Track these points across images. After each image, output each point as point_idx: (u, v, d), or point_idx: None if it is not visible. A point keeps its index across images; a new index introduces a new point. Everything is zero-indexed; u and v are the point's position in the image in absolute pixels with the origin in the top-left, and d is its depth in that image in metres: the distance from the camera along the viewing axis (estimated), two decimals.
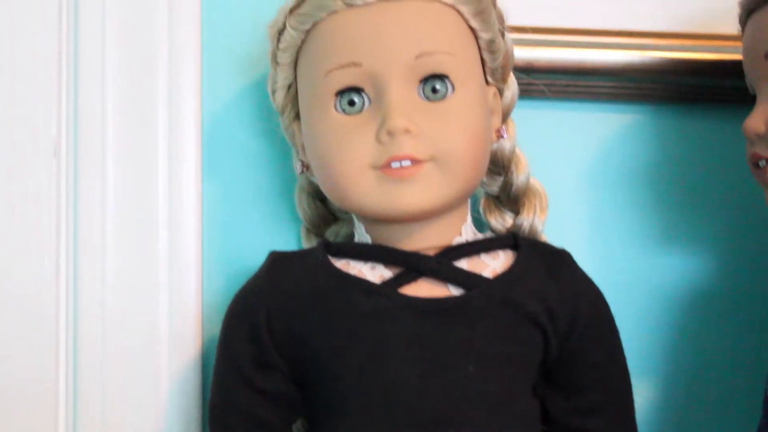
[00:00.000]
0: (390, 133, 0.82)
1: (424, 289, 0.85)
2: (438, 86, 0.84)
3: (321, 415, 0.86)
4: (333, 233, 0.99)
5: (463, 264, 0.86)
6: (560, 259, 0.89)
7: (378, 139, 0.83)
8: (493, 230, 0.96)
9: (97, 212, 0.99)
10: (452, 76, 0.84)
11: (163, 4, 1.00)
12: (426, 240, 0.87)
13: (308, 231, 1.00)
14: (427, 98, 0.84)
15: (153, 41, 1.00)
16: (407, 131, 0.82)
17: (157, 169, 0.99)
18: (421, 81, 0.84)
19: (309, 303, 0.85)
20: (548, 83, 0.99)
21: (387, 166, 0.83)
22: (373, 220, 0.87)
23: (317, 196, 0.98)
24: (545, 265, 0.87)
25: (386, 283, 0.85)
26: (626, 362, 0.90)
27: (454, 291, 0.85)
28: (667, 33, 1.01)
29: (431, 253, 0.86)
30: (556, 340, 0.86)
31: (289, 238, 1.01)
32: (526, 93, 0.97)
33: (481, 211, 0.97)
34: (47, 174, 0.99)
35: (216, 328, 0.95)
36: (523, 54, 0.96)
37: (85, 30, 1.00)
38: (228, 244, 1.01)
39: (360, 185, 0.84)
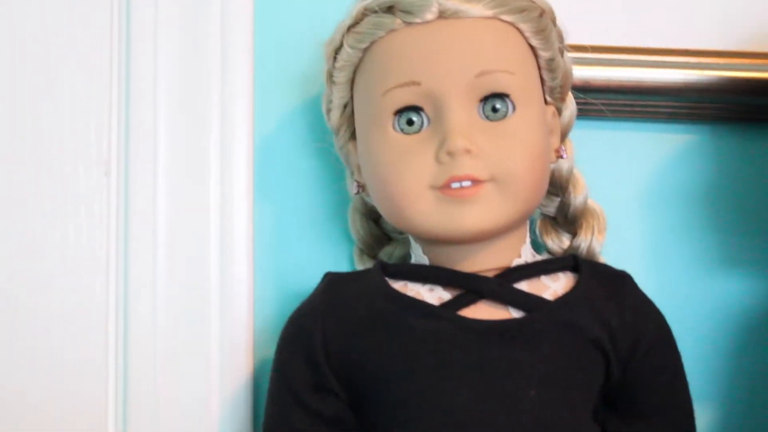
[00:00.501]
0: (450, 153, 0.81)
1: (483, 311, 0.84)
2: (498, 105, 0.83)
3: None
4: (386, 254, 0.97)
5: (524, 286, 0.85)
6: (622, 282, 0.87)
7: (437, 159, 0.82)
8: (549, 252, 0.95)
9: (148, 232, 0.98)
10: (513, 95, 0.83)
11: (216, 24, 0.99)
12: (485, 261, 0.85)
13: (361, 252, 0.99)
14: (487, 118, 0.83)
15: (205, 60, 0.99)
16: (467, 151, 0.81)
17: (209, 189, 0.99)
18: (481, 100, 0.83)
19: (366, 325, 0.84)
20: (606, 102, 0.97)
21: (447, 186, 0.81)
22: (431, 241, 0.86)
23: (371, 216, 0.97)
24: (606, 288, 0.86)
25: (445, 306, 0.84)
26: (688, 386, 0.88)
27: (515, 313, 0.84)
28: (726, 52, 1.00)
29: (490, 274, 0.85)
30: (617, 363, 0.84)
31: (341, 260, 1.00)
32: (583, 112, 0.96)
33: (537, 232, 0.96)
34: (99, 193, 0.98)
35: (267, 351, 0.94)
36: (580, 73, 0.95)
37: (136, 51, 0.99)
38: (279, 265, 1.00)
39: (419, 206, 0.83)
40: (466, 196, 0.81)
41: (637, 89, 0.98)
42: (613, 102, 0.98)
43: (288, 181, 1.01)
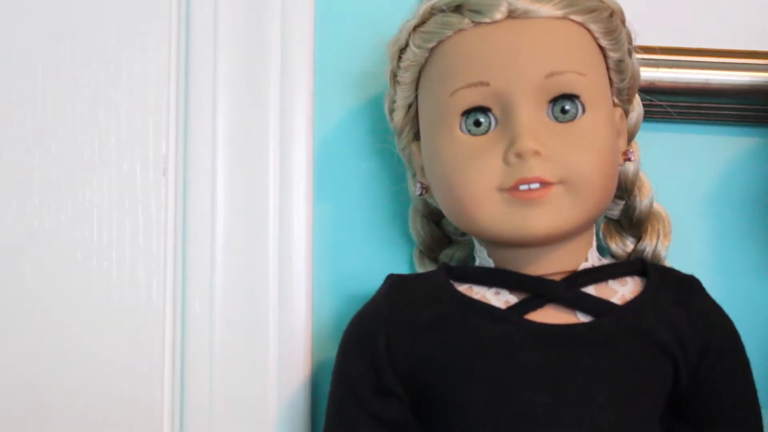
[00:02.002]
0: (519, 155, 0.80)
1: (551, 315, 0.82)
2: (568, 107, 0.82)
3: None
4: (447, 256, 0.96)
5: (591, 290, 0.84)
6: (691, 287, 0.86)
7: (505, 161, 0.81)
8: (613, 255, 0.94)
9: (207, 233, 0.98)
10: (583, 96, 0.82)
11: (276, 23, 0.99)
12: (552, 265, 0.84)
13: (422, 254, 0.98)
14: (557, 119, 0.82)
15: (265, 59, 0.99)
16: (537, 153, 0.80)
17: (268, 189, 0.98)
18: (550, 101, 0.82)
19: (431, 328, 0.83)
20: (672, 104, 0.96)
21: (515, 188, 0.80)
22: (497, 244, 0.85)
23: (432, 218, 0.96)
24: (675, 293, 0.85)
25: (512, 309, 0.83)
26: (757, 394, 0.86)
27: (583, 318, 0.82)
28: None
29: (557, 278, 0.84)
30: (686, 370, 0.83)
31: (401, 262, 0.99)
32: (648, 114, 0.94)
33: (601, 235, 0.95)
34: (156, 194, 0.98)
35: (326, 353, 0.94)
36: (646, 74, 0.94)
37: (196, 50, 0.99)
38: (338, 267, 1.00)
39: (486, 208, 0.81)
40: (535, 199, 0.80)
41: (704, 91, 0.97)
42: (680, 104, 0.97)
43: (347, 181, 1.00)
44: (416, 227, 0.97)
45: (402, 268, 0.99)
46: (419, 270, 0.97)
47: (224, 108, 0.98)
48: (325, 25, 1.00)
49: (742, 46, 0.98)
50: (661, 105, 0.95)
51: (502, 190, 0.81)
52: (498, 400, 0.80)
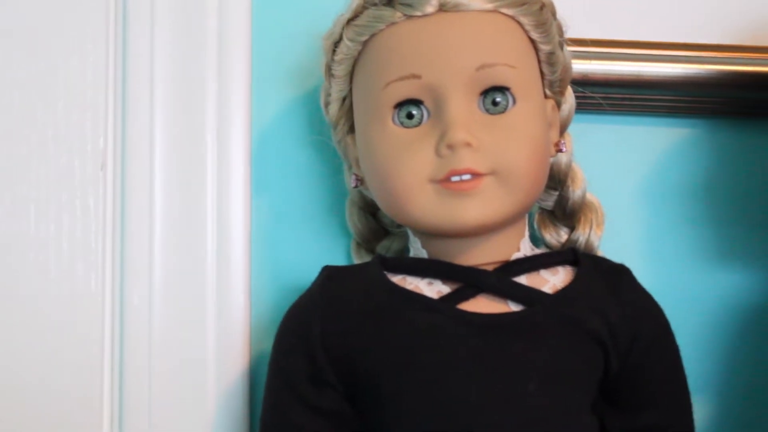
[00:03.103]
0: (450, 147, 0.81)
1: (483, 305, 0.83)
2: (499, 99, 0.83)
3: None
4: (384, 248, 0.97)
5: (523, 280, 0.85)
6: (621, 275, 0.87)
7: (437, 153, 0.82)
8: (547, 246, 0.96)
9: (145, 227, 0.98)
10: (513, 88, 0.83)
11: (213, 17, 0.99)
12: (484, 255, 0.85)
13: (359, 246, 0.98)
14: (488, 111, 0.83)
15: (202, 53, 0.99)
16: (468, 145, 0.81)
17: (206, 183, 0.98)
18: (481, 93, 0.83)
19: (365, 319, 0.83)
20: (604, 96, 0.97)
21: (446, 179, 0.81)
22: (431, 235, 0.86)
23: (369, 210, 0.97)
24: (605, 281, 0.86)
25: (444, 299, 0.84)
26: (686, 380, 0.88)
27: (514, 307, 0.83)
28: (725, 45, 1.00)
29: (489, 268, 0.85)
30: (616, 357, 0.84)
31: (338, 253, 1.00)
32: (581, 106, 0.95)
33: (535, 226, 0.96)
34: (94, 188, 0.97)
35: (264, 344, 0.94)
36: (579, 67, 0.95)
37: (133, 43, 0.99)
38: (276, 258, 1.00)
39: (419, 199, 0.82)
40: (466, 190, 0.81)
41: (636, 83, 0.98)
42: (612, 96, 0.98)
43: (285, 174, 1.00)
44: (353, 219, 0.97)
45: (340, 260, 0.99)
46: (356, 262, 0.98)
47: (162, 102, 0.98)
48: (261, 19, 1.00)
49: (673, 39, 1.00)
50: (593, 97, 0.96)
51: (434, 181, 0.82)
52: (430, 390, 0.81)
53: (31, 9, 0.98)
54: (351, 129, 0.91)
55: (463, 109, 0.82)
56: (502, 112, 0.83)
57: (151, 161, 0.98)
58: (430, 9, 0.83)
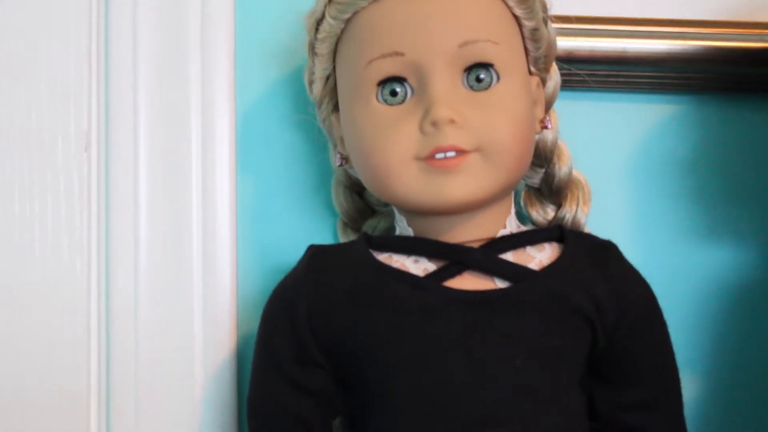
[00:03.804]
0: (434, 124, 0.80)
1: (469, 282, 0.83)
2: (482, 75, 0.82)
3: (363, 411, 0.84)
4: (370, 227, 0.97)
5: (509, 256, 0.84)
6: (607, 252, 0.87)
7: (421, 130, 0.81)
8: (534, 223, 0.95)
9: (130, 207, 0.98)
10: (497, 64, 0.82)
11: None
12: (470, 233, 0.85)
13: (345, 225, 0.98)
14: (471, 88, 0.82)
15: (185, 33, 0.98)
16: (452, 121, 0.80)
17: (191, 162, 0.98)
18: (465, 70, 0.82)
19: (351, 297, 0.83)
20: (590, 73, 0.97)
21: (431, 157, 0.81)
22: (416, 213, 0.85)
23: (354, 189, 0.97)
24: (592, 258, 0.86)
25: (430, 277, 0.83)
26: (674, 356, 0.88)
27: (500, 284, 0.83)
28: (710, 21, 0.99)
29: (476, 245, 0.85)
30: (603, 333, 0.84)
31: (325, 233, 1.00)
32: (567, 83, 0.95)
33: (522, 203, 0.96)
34: (78, 169, 0.97)
35: (251, 325, 0.94)
36: (564, 43, 0.94)
37: (115, 23, 0.98)
38: (263, 239, 1.00)
39: (403, 177, 0.82)
40: (451, 167, 0.81)
41: (621, 59, 0.97)
42: (598, 72, 0.98)
43: (270, 154, 1.00)
44: (339, 198, 0.97)
45: (326, 239, 0.99)
46: (343, 241, 0.98)
47: (145, 83, 0.98)
48: None
49: (658, 15, 0.99)
50: (579, 74, 0.96)
51: (418, 158, 0.81)
52: (417, 367, 0.81)
53: None
54: (335, 108, 0.90)
55: (446, 86, 0.81)
56: (486, 88, 0.82)
57: (135, 142, 0.97)
58: None
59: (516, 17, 0.86)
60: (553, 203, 0.95)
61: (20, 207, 0.96)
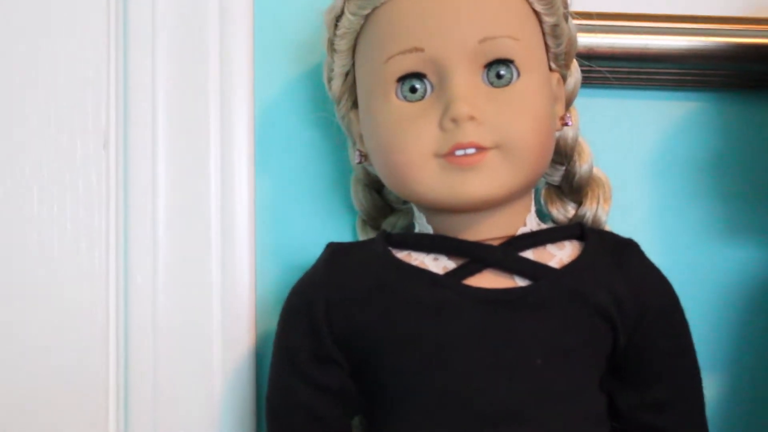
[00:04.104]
0: (454, 120, 0.80)
1: (489, 280, 0.83)
2: (503, 71, 0.82)
3: (381, 410, 0.84)
4: (390, 224, 0.97)
5: (529, 254, 0.84)
6: (628, 250, 0.86)
7: (441, 127, 0.81)
8: (554, 221, 0.95)
9: (148, 205, 0.97)
10: (517, 61, 0.82)
11: None
12: (490, 230, 0.84)
13: (364, 223, 0.98)
14: (492, 84, 0.82)
15: (204, 30, 0.98)
16: (472, 118, 0.80)
17: (209, 160, 0.98)
18: (485, 66, 0.82)
19: (370, 295, 0.83)
20: (610, 70, 0.96)
21: (451, 153, 0.80)
22: (435, 210, 0.85)
23: (374, 186, 0.96)
24: (613, 256, 0.85)
25: (450, 275, 0.83)
26: (695, 355, 0.87)
27: (520, 282, 0.83)
28: (732, 18, 0.99)
29: (496, 243, 0.84)
30: (624, 331, 0.84)
31: (344, 231, 0.99)
32: (588, 80, 0.95)
33: (542, 201, 0.95)
34: (96, 167, 0.97)
35: (270, 323, 0.93)
36: (584, 40, 0.94)
37: (134, 21, 0.98)
38: (282, 237, 1.00)
39: (423, 174, 0.81)
40: (471, 164, 0.80)
41: (642, 56, 0.97)
42: (618, 69, 0.97)
43: (289, 151, 1.00)
44: (358, 196, 0.97)
45: (345, 237, 0.99)
46: (362, 239, 0.97)
47: (164, 79, 0.98)
48: None
49: (679, 11, 0.99)
50: (599, 70, 0.95)
51: (438, 155, 0.81)
52: (436, 365, 0.81)
53: None
54: (354, 104, 0.90)
55: (466, 82, 0.81)
56: (507, 85, 0.82)
57: (154, 139, 0.97)
58: None
59: (536, 13, 0.86)
60: (574, 201, 0.95)
61: (39, 205, 0.96)
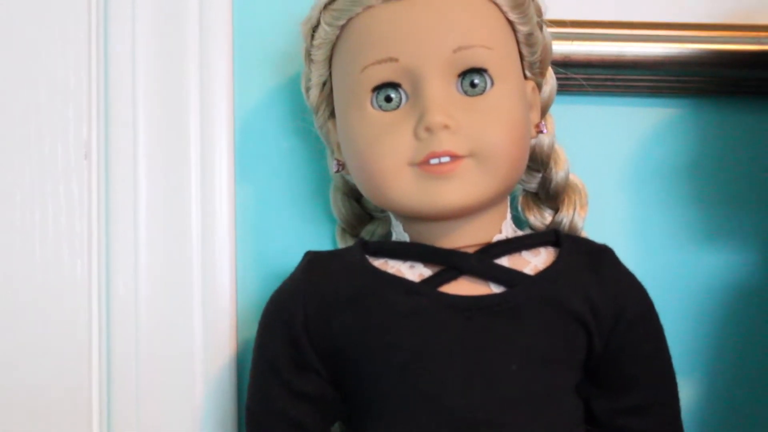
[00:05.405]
0: (428, 129, 0.81)
1: (464, 287, 0.83)
2: (476, 80, 0.82)
3: (360, 417, 0.85)
4: (368, 233, 0.97)
5: (504, 261, 0.85)
6: (603, 256, 0.87)
7: (416, 136, 0.82)
8: (531, 227, 0.95)
9: (129, 214, 0.98)
10: (491, 70, 0.83)
11: (194, 3, 0.99)
12: (465, 238, 0.85)
13: (343, 231, 0.98)
14: (466, 93, 0.83)
15: (183, 41, 0.99)
16: (446, 127, 0.81)
17: (189, 169, 0.98)
18: (459, 75, 0.83)
19: (347, 303, 0.83)
20: (586, 77, 0.97)
21: (425, 162, 0.81)
22: (411, 218, 0.86)
23: (352, 195, 0.97)
24: (587, 262, 0.86)
25: (426, 282, 0.84)
26: (671, 360, 0.88)
27: (495, 289, 0.83)
28: (707, 24, 0.99)
29: (471, 251, 0.85)
30: (599, 337, 0.84)
31: (323, 239, 1.00)
32: (563, 87, 0.95)
33: (519, 208, 0.96)
34: (78, 176, 0.98)
35: (251, 331, 0.94)
36: (560, 48, 0.95)
37: (114, 30, 0.99)
38: (262, 245, 1.00)
39: (398, 182, 0.82)
40: (445, 172, 0.81)
41: (617, 63, 0.98)
42: (594, 76, 0.98)
43: (269, 161, 1.00)
44: (337, 205, 0.97)
45: (325, 245, 0.99)
46: (341, 247, 0.98)
47: (144, 90, 0.98)
48: (242, 6, 1.00)
49: (655, 18, 0.99)
50: (575, 78, 0.96)
51: (413, 164, 0.82)
52: (413, 372, 0.81)
53: None
54: (332, 114, 0.91)
55: (440, 92, 0.82)
56: (480, 93, 0.83)
57: (135, 149, 0.98)
58: None
59: (510, 22, 0.86)
60: (551, 207, 0.95)
61: (21, 214, 0.97)
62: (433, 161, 0.81)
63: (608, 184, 1.01)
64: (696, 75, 0.99)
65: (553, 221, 0.95)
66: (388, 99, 0.83)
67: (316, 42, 0.88)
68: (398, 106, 0.83)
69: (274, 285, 0.88)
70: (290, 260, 0.89)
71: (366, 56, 0.83)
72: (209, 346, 0.97)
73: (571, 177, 0.94)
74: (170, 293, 0.98)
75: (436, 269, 0.84)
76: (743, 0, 1.01)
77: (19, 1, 0.98)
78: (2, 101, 0.97)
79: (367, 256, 0.86)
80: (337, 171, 0.91)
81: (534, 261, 0.85)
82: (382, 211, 0.96)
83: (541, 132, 0.90)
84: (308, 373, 0.85)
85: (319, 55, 0.88)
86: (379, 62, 0.83)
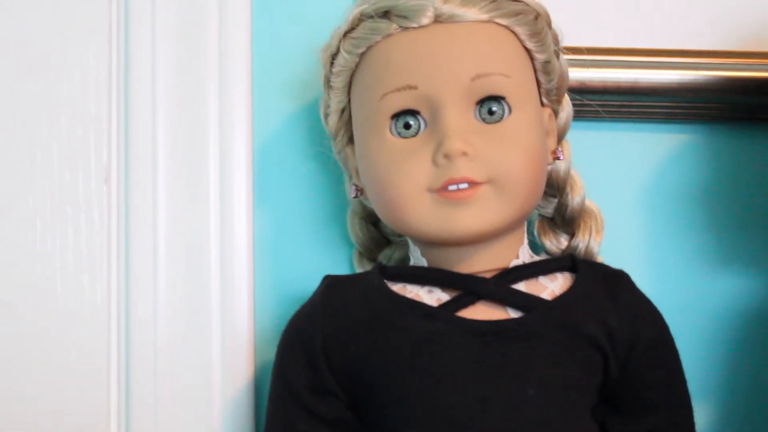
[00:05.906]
0: (447, 156, 0.82)
1: (482, 312, 0.84)
2: (494, 108, 0.83)
3: None
4: (386, 257, 0.98)
5: (521, 286, 0.85)
6: (619, 281, 0.88)
7: (434, 162, 0.82)
8: (548, 252, 0.96)
9: (149, 239, 0.99)
10: (509, 97, 0.84)
11: (213, 30, 1.00)
12: (483, 263, 0.86)
13: (361, 255, 0.99)
14: (484, 120, 0.84)
15: (203, 67, 1.00)
16: (464, 154, 0.82)
17: (209, 194, 0.99)
18: (477, 103, 0.83)
19: (365, 327, 0.84)
20: (602, 104, 0.98)
21: (444, 189, 0.82)
22: (430, 244, 0.86)
23: (370, 220, 0.98)
24: (604, 287, 0.86)
25: (444, 307, 0.84)
26: (687, 385, 0.88)
27: (513, 314, 0.84)
28: (721, 51, 1.00)
29: (488, 276, 0.86)
30: (615, 362, 0.85)
31: (341, 263, 1.01)
32: (579, 114, 0.96)
33: (535, 233, 0.96)
34: (98, 200, 0.99)
35: (269, 354, 0.94)
36: (576, 74, 0.95)
37: (135, 57, 1.00)
38: (280, 269, 1.01)
39: (416, 209, 0.83)
40: (463, 199, 0.82)
41: (633, 90, 0.98)
42: (610, 103, 0.99)
43: (287, 185, 1.01)
44: (354, 229, 0.98)
45: (342, 269, 1.00)
46: (358, 271, 0.99)
47: (164, 116, 0.99)
48: (262, 33, 1.02)
49: (669, 45, 1.00)
50: (591, 104, 0.97)
51: (431, 190, 0.83)
52: (430, 396, 0.82)
53: (34, 23, 1.00)
54: (350, 140, 0.92)
55: (459, 119, 0.83)
56: (498, 121, 0.84)
57: (154, 174, 0.99)
58: (425, 20, 0.84)
59: (528, 50, 0.87)
60: (567, 233, 0.96)
61: (42, 239, 0.98)
62: (452, 187, 0.82)
63: (624, 210, 1.02)
64: (710, 101, 1.00)
65: (569, 246, 0.95)
66: (407, 126, 0.84)
67: (335, 69, 0.89)
68: (417, 133, 0.84)
69: (292, 308, 0.89)
70: (308, 283, 0.90)
71: (385, 84, 0.84)
72: (227, 370, 0.98)
73: (587, 202, 0.95)
74: (189, 318, 0.98)
75: (454, 294, 0.85)
76: (756, 27, 1.01)
77: (42, 30, 0.99)
78: (24, 128, 0.99)
79: (385, 281, 0.87)
80: (356, 196, 0.92)
81: (551, 286, 0.86)
82: (399, 235, 0.96)
83: (558, 158, 0.91)
84: (327, 397, 0.85)
85: (339, 81, 0.89)
86: (398, 90, 0.84)
